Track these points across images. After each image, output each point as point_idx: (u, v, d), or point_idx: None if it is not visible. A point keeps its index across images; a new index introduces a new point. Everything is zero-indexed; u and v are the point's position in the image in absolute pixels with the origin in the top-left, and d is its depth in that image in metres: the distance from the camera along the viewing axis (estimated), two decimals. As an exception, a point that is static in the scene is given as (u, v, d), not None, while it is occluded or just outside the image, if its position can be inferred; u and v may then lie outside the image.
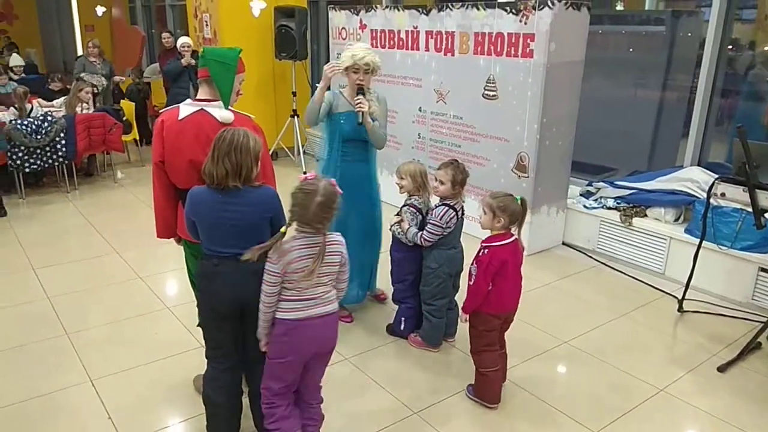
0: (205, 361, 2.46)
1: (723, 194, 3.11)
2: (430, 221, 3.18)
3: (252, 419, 2.59)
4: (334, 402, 2.81)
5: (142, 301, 3.97)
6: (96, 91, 7.29)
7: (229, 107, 2.56)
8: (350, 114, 3.40)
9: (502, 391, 2.94)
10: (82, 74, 7.56)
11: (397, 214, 3.37)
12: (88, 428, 2.71)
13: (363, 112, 3.32)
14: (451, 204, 3.16)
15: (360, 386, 3.06)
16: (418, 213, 3.30)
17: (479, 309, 2.78)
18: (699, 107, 4.52)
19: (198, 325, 2.73)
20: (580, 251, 4.87)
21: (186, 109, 2.53)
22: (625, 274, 4.46)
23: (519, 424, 2.81)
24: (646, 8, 5.92)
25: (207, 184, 2.23)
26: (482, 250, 2.73)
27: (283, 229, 2.17)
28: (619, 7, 6.08)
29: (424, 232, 3.18)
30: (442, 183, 3.15)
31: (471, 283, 2.74)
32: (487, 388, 2.88)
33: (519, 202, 2.70)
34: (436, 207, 3.20)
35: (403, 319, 3.47)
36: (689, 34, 5.12)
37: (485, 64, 4.72)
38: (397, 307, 3.54)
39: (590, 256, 4.77)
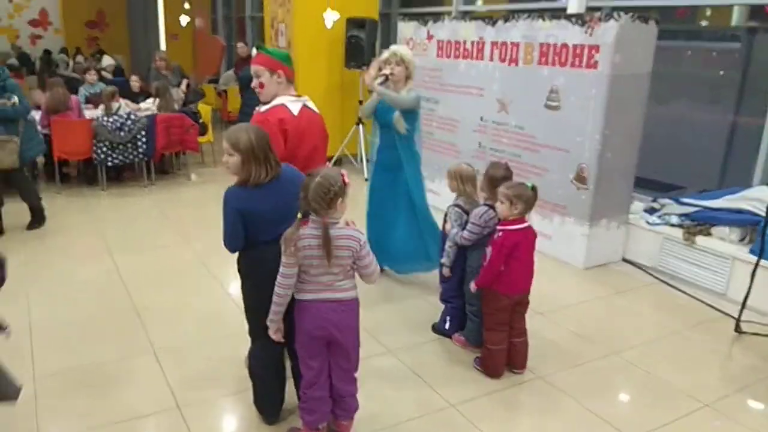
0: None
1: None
2: (471, 221, 3.25)
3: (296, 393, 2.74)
4: (372, 388, 2.91)
5: (205, 285, 4.22)
6: (179, 103, 7.76)
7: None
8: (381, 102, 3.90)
9: (509, 372, 3.04)
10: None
11: (445, 215, 3.46)
12: (145, 394, 2.93)
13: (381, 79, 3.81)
14: (492, 204, 3.21)
15: (399, 377, 3.15)
16: (463, 213, 3.37)
17: (492, 288, 3.01)
18: (772, 124, 4.36)
19: None
20: (640, 268, 4.76)
21: (293, 105, 2.89)
22: (684, 292, 4.33)
23: (552, 426, 2.81)
24: (733, 24, 5.73)
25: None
26: (497, 233, 2.98)
27: (299, 216, 2.30)
28: (704, 23, 5.92)
29: (464, 231, 3.25)
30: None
31: (485, 263, 3.03)
32: (490, 362, 3.15)
33: (531, 188, 2.94)
34: (478, 207, 3.27)
35: (448, 318, 3.53)
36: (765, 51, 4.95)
37: (549, 75, 4.73)
38: (443, 306, 3.60)
39: (650, 273, 4.66)
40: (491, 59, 5.28)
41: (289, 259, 2.26)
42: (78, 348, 3.33)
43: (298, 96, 2.94)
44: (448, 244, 3.39)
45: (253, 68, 2.91)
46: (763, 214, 4.09)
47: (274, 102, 2.88)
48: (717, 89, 5.30)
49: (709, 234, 4.40)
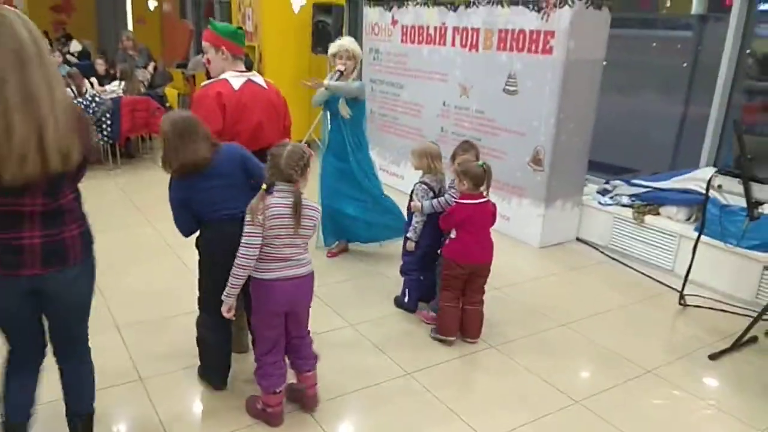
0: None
1: (720, 186, 3.20)
2: (449, 192, 3.39)
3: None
4: (332, 360, 3.03)
5: (168, 264, 4.29)
6: (144, 85, 7.71)
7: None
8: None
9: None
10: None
11: (411, 192, 3.57)
12: (109, 367, 2.99)
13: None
14: None
15: (360, 349, 3.27)
16: (429, 190, 3.49)
17: (446, 256, 3.26)
18: (716, 109, 4.58)
19: None
20: (593, 247, 4.96)
21: (236, 81, 2.91)
22: (634, 269, 4.54)
23: (503, 392, 2.97)
24: (693, 12, 5.89)
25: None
26: (454, 203, 3.27)
27: (264, 186, 2.34)
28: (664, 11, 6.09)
29: (446, 195, 3.39)
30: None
31: (442, 216, 3.31)
32: (442, 321, 3.33)
33: (480, 166, 3.10)
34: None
35: (407, 290, 3.66)
36: (714, 39, 5.16)
37: (507, 60, 4.87)
38: (403, 279, 3.72)
39: (603, 252, 4.87)
40: (453, 45, 5.40)
41: (255, 228, 2.30)
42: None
43: (244, 71, 2.97)
44: (415, 218, 3.50)
45: (203, 44, 2.99)
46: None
47: (219, 77, 2.94)
48: (670, 78, 5.50)
49: (657, 213, 4.61)
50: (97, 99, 6.34)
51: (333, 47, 4.17)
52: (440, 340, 3.33)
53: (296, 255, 2.41)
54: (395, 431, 2.64)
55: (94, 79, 7.37)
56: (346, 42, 4.18)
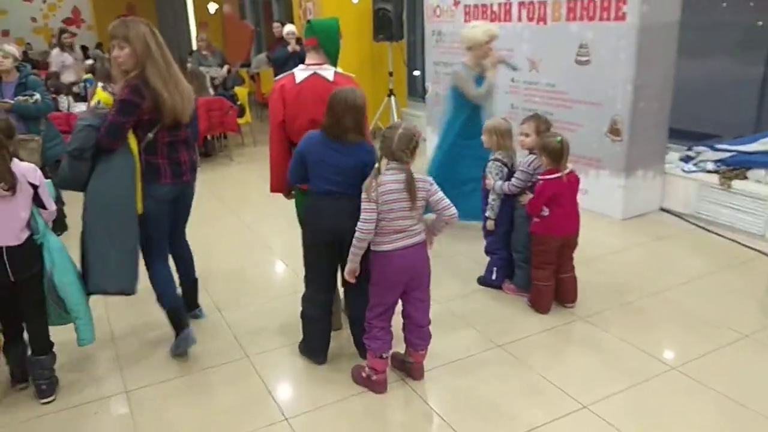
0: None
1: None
2: (519, 169, 3.40)
3: (353, 340, 3.01)
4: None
5: (258, 251, 4.52)
6: (216, 83, 8.02)
7: (336, 68, 2.95)
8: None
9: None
10: (200, 68, 8.33)
11: (484, 170, 3.60)
12: (215, 347, 3.21)
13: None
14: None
15: (448, 323, 3.34)
16: (503, 166, 3.52)
17: (540, 232, 3.28)
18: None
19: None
20: (678, 216, 4.83)
21: (301, 73, 2.93)
22: (722, 236, 4.40)
23: (596, 360, 2.98)
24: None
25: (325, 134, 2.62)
26: (538, 182, 3.22)
27: (377, 165, 2.51)
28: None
29: (512, 179, 3.40)
30: (527, 135, 3.37)
31: (529, 201, 3.32)
32: (538, 299, 3.40)
33: (558, 141, 3.12)
34: (525, 157, 3.42)
35: (494, 269, 3.70)
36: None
37: (578, 30, 4.80)
38: (488, 259, 3.78)
39: (688, 220, 4.74)
40: (519, 19, 5.35)
41: (370, 205, 2.48)
42: (151, 310, 3.62)
43: (317, 64, 2.93)
44: (491, 197, 3.54)
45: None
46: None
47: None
48: (746, 37, 5.25)
49: (745, 177, 4.44)
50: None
51: (483, 35, 4.13)
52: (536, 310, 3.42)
53: (410, 227, 2.54)
54: (492, 401, 2.70)
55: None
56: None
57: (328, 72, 2.91)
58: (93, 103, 3.00)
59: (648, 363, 2.92)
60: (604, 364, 2.95)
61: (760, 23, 5.12)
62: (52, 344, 2.83)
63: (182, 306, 3.17)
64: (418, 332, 2.73)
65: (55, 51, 8.60)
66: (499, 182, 3.47)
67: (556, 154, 3.16)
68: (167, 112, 2.78)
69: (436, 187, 2.56)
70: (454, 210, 2.55)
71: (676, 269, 3.92)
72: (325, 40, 2.95)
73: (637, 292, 3.62)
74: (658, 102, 4.64)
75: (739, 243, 4.26)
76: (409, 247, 2.56)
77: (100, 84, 6.50)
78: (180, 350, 3.08)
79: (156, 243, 3.01)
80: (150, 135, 2.81)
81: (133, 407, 2.74)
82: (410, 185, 2.47)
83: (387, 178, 2.49)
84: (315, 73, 2.90)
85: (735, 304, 3.45)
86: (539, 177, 3.27)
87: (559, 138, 3.16)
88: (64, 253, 2.76)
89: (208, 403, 2.76)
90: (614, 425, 2.49)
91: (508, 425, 2.52)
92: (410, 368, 2.83)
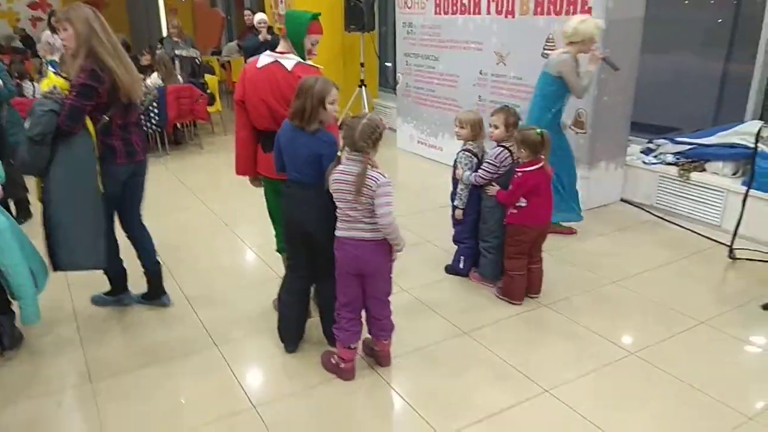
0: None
1: (769, 136, 3.20)
2: (486, 161, 3.46)
3: (322, 329, 3.05)
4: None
5: (228, 241, 4.51)
6: (198, 61, 7.92)
7: (304, 61, 2.96)
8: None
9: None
10: (176, 52, 8.21)
11: (455, 161, 3.66)
12: (183, 337, 3.21)
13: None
14: (506, 146, 3.44)
15: (415, 311, 3.41)
16: (473, 157, 3.58)
17: (517, 222, 3.32)
18: (761, 60, 4.51)
19: (277, 251, 3.24)
20: (638, 207, 4.98)
21: (264, 59, 2.98)
22: (681, 226, 4.56)
23: (559, 348, 3.08)
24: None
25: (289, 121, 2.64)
26: (517, 174, 3.27)
27: (338, 154, 2.54)
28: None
29: (479, 170, 3.47)
30: (496, 127, 3.44)
31: (506, 192, 3.36)
32: (512, 288, 3.46)
33: (538, 134, 3.19)
34: (493, 148, 3.48)
35: (462, 257, 3.77)
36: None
37: (545, 24, 4.88)
38: (456, 248, 3.84)
39: (648, 211, 4.88)
40: (488, 12, 5.41)
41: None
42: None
43: (282, 53, 2.94)
44: (460, 187, 3.61)
45: (313, 38, 3.03)
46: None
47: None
48: (709, 33, 5.40)
49: (703, 170, 4.60)
50: (143, 88, 6.55)
51: (596, 30, 3.95)
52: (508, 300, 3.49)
53: (358, 219, 2.54)
54: (457, 387, 2.78)
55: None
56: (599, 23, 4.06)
57: (288, 62, 2.92)
58: (47, 87, 3.12)
59: (609, 349, 3.02)
60: (566, 350, 3.04)
61: (720, 20, 5.28)
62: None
63: (121, 274, 3.44)
64: (377, 324, 2.79)
65: (46, 33, 8.45)
66: (468, 173, 3.53)
67: (536, 146, 3.22)
68: (124, 91, 2.93)
69: (385, 190, 2.47)
70: (385, 220, 2.47)
71: (637, 258, 4.05)
72: (290, 31, 2.97)
73: (600, 280, 3.74)
74: (621, 96, 4.76)
75: (697, 233, 4.42)
76: (355, 240, 2.57)
77: (51, 69, 6.40)
78: (99, 303, 3.48)
79: (109, 219, 3.21)
80: (105, 117, 2.94)
81: (97, 397, 2.73)
82: (360, 179, 2.45)
83: (340, 168, 2.51)
84: (276, 61, 2.93)
85: (692, 292, 3.58)
86: (518, 169, 3.31)
87: (538, 130, 3.23)
88: (7, 235, 2.79)
89: (175, 391, 2.77)
90: (574, 408, 2.58)
91: (472, 410, 2.59)
92: (377, 355, 2.89)
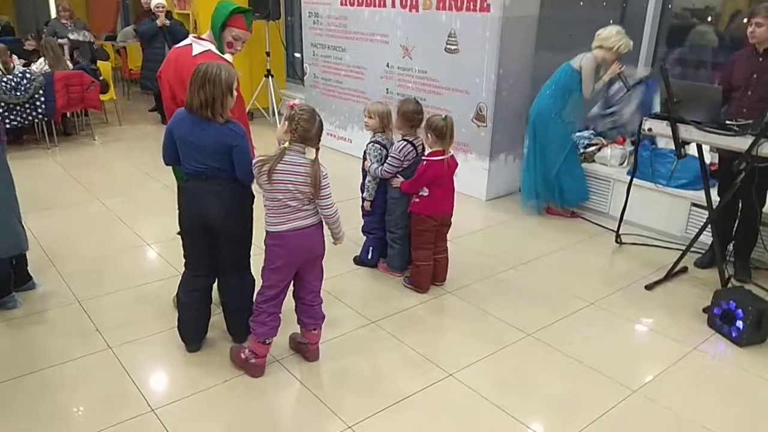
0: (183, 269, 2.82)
1: (650, 129, 3.45)
2: (391, 155, 3.50)
3: (226, 327, 2.97)
4: (293, 316, 3.14)
5: (121, 237, 4.27)
6: (95, 47, 7.42)
7: (218, 52, 2.94)
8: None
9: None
10: (70, 36, 7.67)
11: (364, 153, 3.67)
12: (76, 337, 3.02)
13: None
14: (410, 140, 3.49)
15: (326, 303, 3.36)
16: (382, 148, 3.61)
17: (419, 212, 3.40)
18: (642, 61, 4.88)
19: (178, 233, 3.08)
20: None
21: (186, 41, 3.03)
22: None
23: (458, 326, 3.21)
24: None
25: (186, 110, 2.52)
26: (423, 162, 3.33)
27: (284, 146, 2.46)
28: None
29: (384, 164, 3.50)
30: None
31: (409, 181, 3.43)
32: (419, 278, 3.53)
33: (443, 119, 3.27)
34: (397, 142, 3.52)
35: (370, 248, 3.80)
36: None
37: (447, 19, 4.99)
38: (364, 238, 3.86)
39: (544, 201, 5.15)
40: (393, 6, 5.46)
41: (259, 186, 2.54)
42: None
43: (202, 39, 3.02)
44: (368, 179, 3.63)
45: (234, 32, 3.03)
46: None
47: None
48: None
49: (592, 161, 4.90)
50: (28, 75, 6.07)
51: (628, 47, 4.41)
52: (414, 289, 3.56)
53: (302, 207, 2.53)
54: (366, 376, 2.81)
55: (14, 57, 7.01)
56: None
57: (199, 47, 2.90)
58: None
59: (507, 331, 3.16)
60: (469, 334, 3.15)
61: (612, 21, 5.62)
62: None
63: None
64: (309, 311, 2.76)
65: None
66: (375, 165, 3.56)
67: (440, 131, 3.28)
68: None
69: (327, 180, 2.53)
70: (332, 210, 2.58)
71: (533, 245, 4.26)
72: (212, 19, 3.01)
73: (500, 266, 3.90)
74: (518, 90, 4.97)
75: (588, 220, 4.72)
76: (302, 229, 2.55)
77: None
78: None
79: None
80: None
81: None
82: (316, 172, 2.46)
83: (288, 160, 2.46)
84: (190, 45, 2.95)
85: (582, 276, 3.82)
86: (424, 158, 3.40)
87: (444, 116, 3.30)
88: None
89: (66, 398, 2.60)
90: (476, 390, 2.68)
91: (379, 398, 2.63)
92: (305, 349, 2.84)
